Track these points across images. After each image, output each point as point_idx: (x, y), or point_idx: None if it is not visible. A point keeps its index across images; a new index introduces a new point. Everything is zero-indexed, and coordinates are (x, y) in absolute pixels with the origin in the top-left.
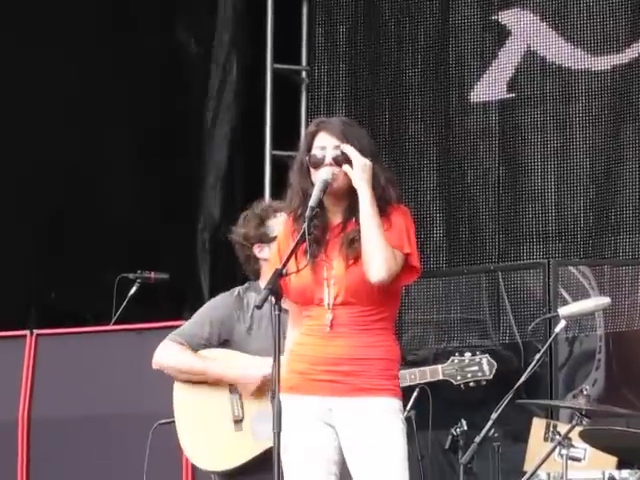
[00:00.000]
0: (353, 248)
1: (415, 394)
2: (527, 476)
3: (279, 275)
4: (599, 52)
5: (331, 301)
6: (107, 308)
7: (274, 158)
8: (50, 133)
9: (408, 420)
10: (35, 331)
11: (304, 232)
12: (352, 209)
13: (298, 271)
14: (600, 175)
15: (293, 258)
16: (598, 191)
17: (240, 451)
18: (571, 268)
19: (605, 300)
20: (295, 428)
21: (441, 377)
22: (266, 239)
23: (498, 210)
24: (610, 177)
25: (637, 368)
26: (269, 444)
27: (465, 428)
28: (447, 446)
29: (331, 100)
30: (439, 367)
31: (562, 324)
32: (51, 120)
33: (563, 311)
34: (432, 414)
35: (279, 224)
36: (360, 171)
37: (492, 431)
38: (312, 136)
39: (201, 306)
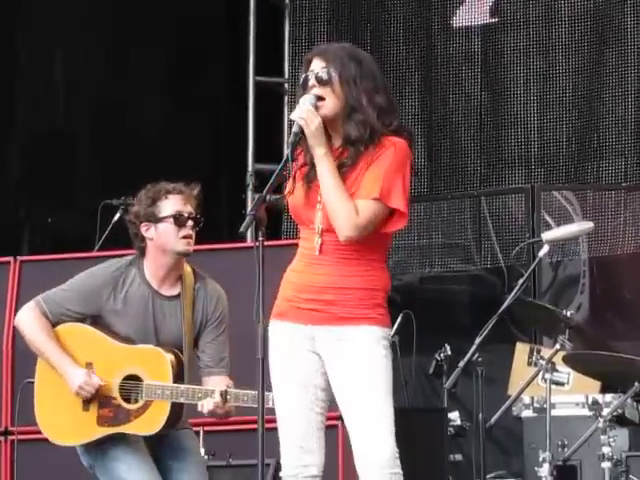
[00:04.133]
0: (341, 173)
1: (399, 319)
2: (510, 400)
3: (262, 201)
4: None
5: (320, 226)
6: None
7: (257, 84)
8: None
9: (392, 346)
10: (19, 257)
11: (287, 158)
12: None
13: (290, 194)
14: (583, 100)
15: (292, 180)
16: (581, 116)
17: (81, 432)
18: (554, 193)
19: (588, 225)
20: (283, 354)
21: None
22: (153, 219)
23: (480, 135)
24: (593, 102)
25: (621, 292)
26: (111, 431)
27: (449, 353)
28: (431, 371)
29: (313, 25)
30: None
31: (545, 249)
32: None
33: (546, 236)
34: (416, 339)
35: (170, 205)
36: (309, 132)
37: (476, 356)
38: (308, 63)
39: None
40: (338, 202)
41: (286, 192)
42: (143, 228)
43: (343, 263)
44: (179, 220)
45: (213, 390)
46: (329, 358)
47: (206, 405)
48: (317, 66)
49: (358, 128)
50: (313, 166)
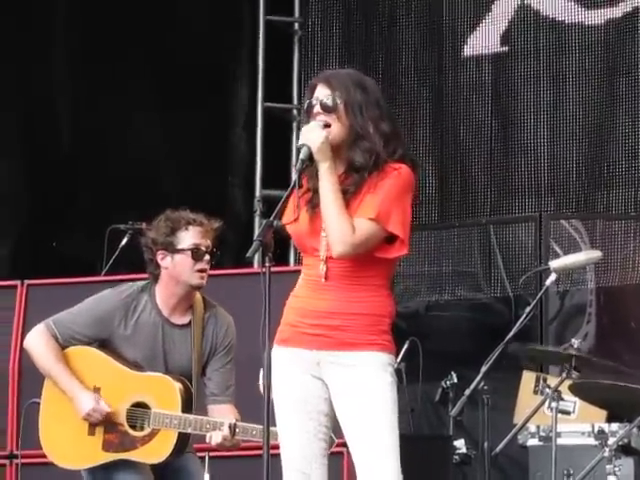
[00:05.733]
0: (344, 200)
1: (406, 346)
2: (516, 429)
3: (269, 226)
4: (593, 5)
5: (324, 253)
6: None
7: (266, 109)
8: None
9: (398, 372)
10: (26, 281)
11: (294, 184)
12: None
13: (294, 221)
14: (593, 129)
15: (294, 207)
16: (591, 145)
17: (86, 456)
18: (563, 222)
19: (596, 254)
20: (286, 380)
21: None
22: (171, 248)
23: (490, 164)
24: (603, 131)
25: (628, 322)
26: (116, 457)
27: (455, 381)
28: (437, 399)
29: (324, 53)
30: None
31: (553, 277)
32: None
33: (554, 264)
34: (422, 367)
35: (189, 237)
36: (315, 147)
37: (482, 384)
38: (312, 89)
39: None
40: (336, 217)
41: (287, 220)
42: (159, 256)
43: (349, 289)
44: (197, 254)
45: (222, 422)
46: (334, 384)
47: (214, 438)
48: (322, 93)
49: (364, 155)
50: (317, 192)
